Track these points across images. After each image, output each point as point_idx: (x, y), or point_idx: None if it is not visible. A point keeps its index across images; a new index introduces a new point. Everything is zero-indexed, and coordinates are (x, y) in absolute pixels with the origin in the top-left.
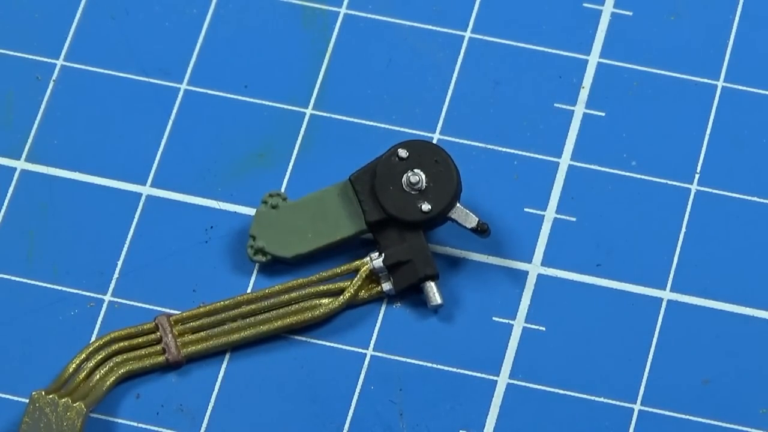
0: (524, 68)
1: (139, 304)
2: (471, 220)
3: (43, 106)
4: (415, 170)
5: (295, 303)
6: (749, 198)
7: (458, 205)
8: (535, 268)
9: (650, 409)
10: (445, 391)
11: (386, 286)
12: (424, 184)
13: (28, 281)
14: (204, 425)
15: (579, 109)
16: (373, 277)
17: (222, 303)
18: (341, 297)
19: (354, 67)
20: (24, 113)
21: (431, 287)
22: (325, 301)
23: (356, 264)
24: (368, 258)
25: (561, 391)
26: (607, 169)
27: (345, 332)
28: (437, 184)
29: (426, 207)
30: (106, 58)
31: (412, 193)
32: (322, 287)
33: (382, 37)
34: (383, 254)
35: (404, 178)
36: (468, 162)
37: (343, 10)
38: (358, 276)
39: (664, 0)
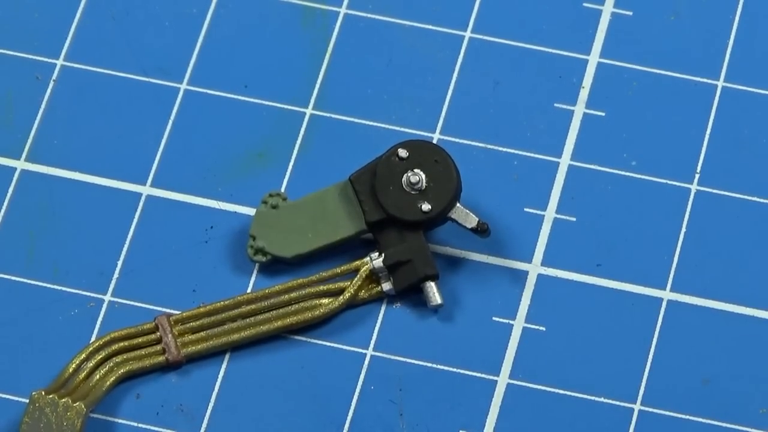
0: (524, 68)
1: (139, 304)
2: (471, 220)
3: (43, 106)
4: (415, 170)
5: (295, 303)
6: (749, 198)
7: (458, 205)
8: (535, 268)
9: (650, 409)
10: (445, 391)
11: (386, 286)
12: (424, 184)
13: (28, 281)
14: (204, 425)
15: (579, 109)
16: (373, 277)
17: (222, 303)
18: (341, 297)
19: (354, 67)
20: (24, 113)
21: (431, 287)
22: (325, 301)
23: (356, 264)
24: (368, 258)
25: (561, 391)
26: (607, 169)
27: (345, 332)
28: (437, 184)
29: (426, 207)
30: (106, 58)
31: (412, 193)
32: (322, 287)
33: (382, 37)
34: (383, 254)
35: (404, 178)
36: (468, 162)
37: (343, 10)
38: (358, 276)
39: (664, 0)
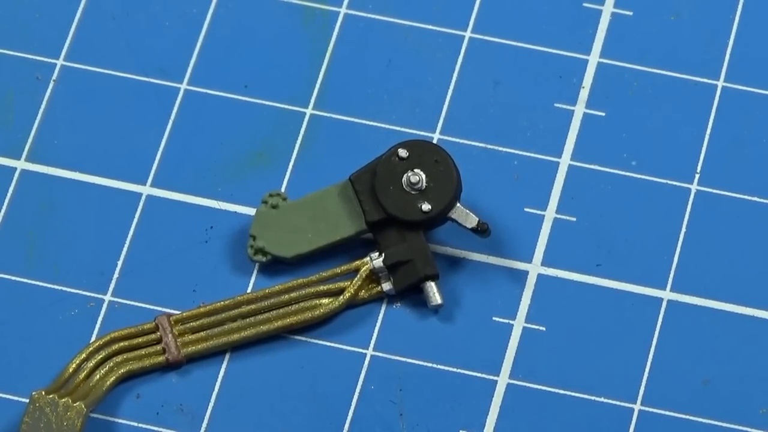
0: (524, 68)
1: (139, 304)
2: (471, 220)
3: (43, 106)
4: (415, 170)
5: (295, 303)
6: (749, 198)
7: (458, 205)
8: (535, 268)
9: (650, 409)
10: (445, 391)
11: (386, 286)
12: (424, 184)
13: (28, 281)
14: (204, 425)
15: (579, 109)
16: (373, 277)
17: (222, 303)
18: (341, 297)
19: (354, 67)
20: (24, 113)
21: (431, 287)
22: (325, 301)
23: (356, 264)
24: (368, 258)
25: (561, 391)
26: (607, 169)
27: (345, 332)
28: (437, 184)
29: (426, 207)
30: (106, 58)
31: (412, 193)
32: (322, 287)
33: (382, 37)
34: (383, 254)
35: (404, 178)
36: (468, 162)
37: (343, 10)
38: (358, 276)
39: (664, 0)
